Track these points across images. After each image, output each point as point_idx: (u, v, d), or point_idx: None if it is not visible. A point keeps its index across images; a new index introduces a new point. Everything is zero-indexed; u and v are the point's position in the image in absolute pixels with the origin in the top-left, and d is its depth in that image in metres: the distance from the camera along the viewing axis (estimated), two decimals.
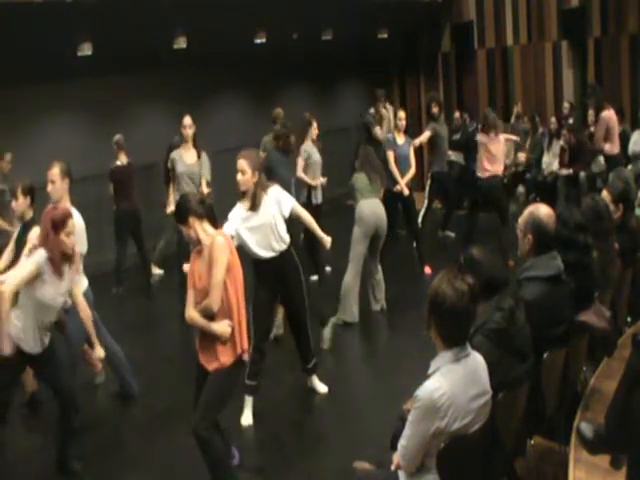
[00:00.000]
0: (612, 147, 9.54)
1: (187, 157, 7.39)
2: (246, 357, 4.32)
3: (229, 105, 11.43)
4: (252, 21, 9.87)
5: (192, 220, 4.19)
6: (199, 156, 7.41)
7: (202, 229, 4.21)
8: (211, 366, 4.19)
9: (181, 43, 9.21)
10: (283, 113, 8.88)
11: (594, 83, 11.21)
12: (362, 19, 11.65)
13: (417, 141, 9.10)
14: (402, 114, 8.63)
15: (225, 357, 4.17)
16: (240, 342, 4.21)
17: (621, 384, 3.59)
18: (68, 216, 4.45)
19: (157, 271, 9.51)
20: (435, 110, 9.49)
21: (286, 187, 7.46)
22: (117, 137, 8.69)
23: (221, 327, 4.13)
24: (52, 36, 7.91)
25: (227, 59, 10.65)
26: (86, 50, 8.31)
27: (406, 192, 8.40)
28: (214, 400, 4.22)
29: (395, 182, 8.34)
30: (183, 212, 4.23)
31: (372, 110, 11.12)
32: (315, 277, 8.65)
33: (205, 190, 7.33)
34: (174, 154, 7.48)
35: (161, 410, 5.69)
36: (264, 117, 10.45)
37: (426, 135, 9.33)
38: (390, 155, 8.42)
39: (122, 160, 8.65)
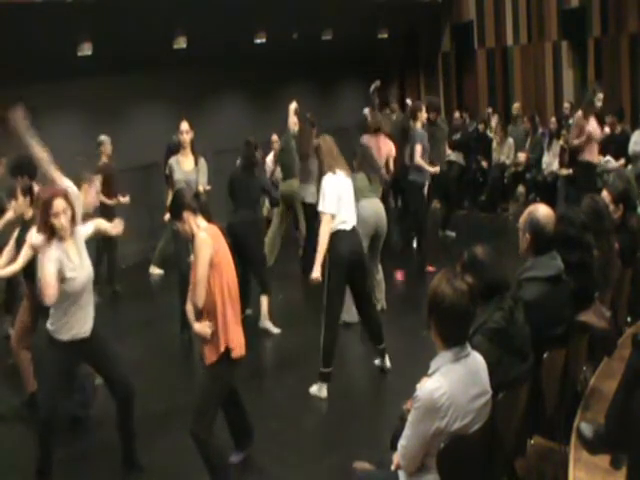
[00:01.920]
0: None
1: (185, 164, 7.33)
2: (236, 354, 4.25)
3: (229, 105, 11.43)
4: (252, 21, 9.88)
5: (187, 215, 4.21)
6: (197, 162, 7.37)
7: (195, 224, 4.23)
8: (205, 362, 4.25)
9: (181, 43, 9.22)
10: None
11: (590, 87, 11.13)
12: (362, 19, 11.66)
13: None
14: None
15: (210, 354, 4.20)
16: (225, 339, 4.19)
17: (621, 384, 3.60)
18: (53, 197, 4.34)
19: (157, 271, 9.51)
20: (432, 116, 9.34)
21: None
22: (102, 138, 8.70)
23: (200, 328, 4.17)
24: (52, 36, 7.91)
25: (227, 59, 10.66)
26: (86, 50, 8.31)
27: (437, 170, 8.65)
28: (204, 400, 4.25)
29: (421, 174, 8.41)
30: (178, 207, 4.25)
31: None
32: None
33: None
34: (172, 160, 7.41)
35: (161, 410, 5.68)
36: (264, 117, 10.47)
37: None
38: (417, 149, 8.38)
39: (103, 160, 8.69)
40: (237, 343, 4.26)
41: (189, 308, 4.23)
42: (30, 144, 4.83)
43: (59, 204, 4.31)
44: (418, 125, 8.48)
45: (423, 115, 8.52)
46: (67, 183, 5.20)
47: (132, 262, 10.02)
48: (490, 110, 12.42)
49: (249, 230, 6.93)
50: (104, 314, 8.05)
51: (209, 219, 4.35)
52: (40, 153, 4.90)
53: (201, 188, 7.28)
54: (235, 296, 4.30)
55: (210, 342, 4.18)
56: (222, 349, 4.17)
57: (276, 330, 7.21)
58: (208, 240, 4.15)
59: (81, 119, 9.57)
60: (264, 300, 7.22)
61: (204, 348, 4.24)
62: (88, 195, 5.50)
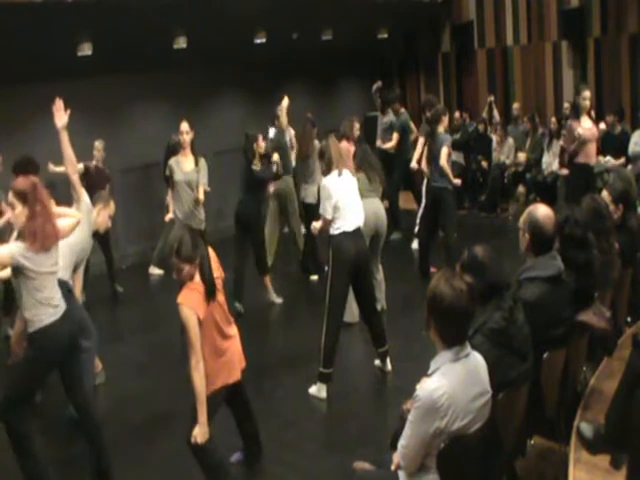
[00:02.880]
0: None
1: (185, 164, 7.36)
2: (228, 382, 4.35)
3: (229, 105, 11.43)
4: (252, 21, 9.87)
5: (197, 263, 4.16)
6: (197, 163, 7.39)
7: (190, 278, 4.18)
8: None
9: (181, 43, 9.21)
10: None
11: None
12: (362, 19, 11.64)
13: (414, 162, 8.91)
14: None
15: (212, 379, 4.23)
16: (212, 382, 4.21)
17: (621, 384, 3.60)
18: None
19: (156, 271, 9.51)
20: (429, 114, 9.04)
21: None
22: (95, 143, 8.75)
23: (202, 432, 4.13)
24: (52, 36, 7.91)
25: (227, 59, 10.65)
26: (86, 50, 8.31)
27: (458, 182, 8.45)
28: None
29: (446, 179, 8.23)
30: (196, 251, 4.16)
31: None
32: (315, 277, 8.67)
33: (200, 197, 7.33)
34: (172, 161, 7.44)
35: (161, 410, 5.69)
36: (264, 117, 10.45)
37: (421, 143, 8.96)
38: (444, 152, 8.19)
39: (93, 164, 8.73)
40: (225, 378, 4.31)
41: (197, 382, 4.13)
42: (63, 142, 4.90)
43: (9, 196, 4.33)
44: (441, 129, 8.27)
45: (446, 120, 8.41)
46: (84, 192, 5.26)
47: (132, 262, 10.02)
48: (492, 98, 12.36)
49: (251, 215, 7.62)
50: (105, 314, 8.11)
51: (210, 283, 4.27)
52: (69, 152, 4.95)
53: (201, 188, 7.30)
54: (223, 332, 4.34)
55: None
56: (210, 390, 4.18)
57: (279, 300, 8.02)
58: (191, 312, 4.08)
59: (81, 119, 9.55)
60: (267, 279, 7.95)
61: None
62: (100, 215, 5.53)
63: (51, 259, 4.34)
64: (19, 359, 4.66)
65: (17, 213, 4.29)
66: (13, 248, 4.25)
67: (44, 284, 4.32)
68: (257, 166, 7.59)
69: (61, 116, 4.95)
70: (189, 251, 4.11)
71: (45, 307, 4.33)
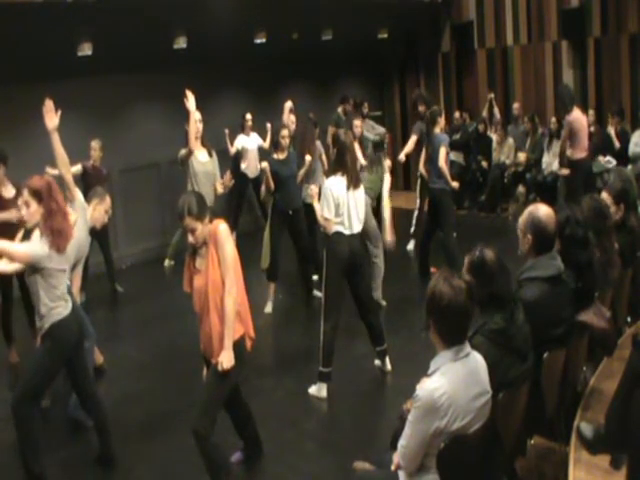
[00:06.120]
0: (574, 152, 9.21)
1: (199, 156, 7.24)
2: (250, 343, 4.40)
3: (229, 105, 11.42)
4: (252, 21, 9.87)
5: (207, 219, 4.17)
6: (210, 154, 7.31)
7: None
8: (214, 360, 4.20)
9: (181, 43, 9.22)
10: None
11: (561, 86, 11.06)
12: (362, 19, 11.65)
13: (402, 155, 8.97)
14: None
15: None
16: (245, 325, 4.30)
17: (621, 384, 3.60)
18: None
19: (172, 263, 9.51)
20: (421, 109, 9.12)
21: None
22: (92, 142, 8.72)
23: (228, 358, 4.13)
24: (52, 36, 7.91)
25: (227, 59, 10.66)
26: (86, 50, 8.31)
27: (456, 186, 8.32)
28: (210, 397, 4.23)
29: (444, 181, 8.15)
30: (205, 209, 4.18)
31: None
32: (316, 277, 8.66)
33: (220, 190, 7.17)
34: (185, 152, 7.21)
35: (161, 410, 5.68)
36: (264, 117, 10.46)
37: (413, 140, 9.05)
38: (443, 152, 8.11)
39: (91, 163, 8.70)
40: (252, 333, 4.36)
41: (229, 308, 4.13)
42: (55, 143, 4.88)
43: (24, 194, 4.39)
44: (437, 130, 8.20)
45: (442, 120, 8.35)
46: (77, 192, 5.26)
47: (132, 262, 10.03)
48: (492, 95, 12.37)
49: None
50: (105, 314, 8.11)
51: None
52: (61, 153, 4.94)
53: (218, 184, 7.13)
54: (240, 284, 4.34)
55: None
56: (239, 334, 4.21)
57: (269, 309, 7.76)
58: (229, 234, 4.18)
59: (81, 119, 9.57)
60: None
61: (214, 344, 4.22)
62: (96, 210, 5.51)
63: (66, 256, 4.47)
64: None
65: (31, 211, 4.34)
66: (36, 249, 4.29)
67: (60, 281, 4.46)
68: None
69: (51, 117, 4.89)
70: (198, 208, 4.12)
71: (61, 301, 4.48)
